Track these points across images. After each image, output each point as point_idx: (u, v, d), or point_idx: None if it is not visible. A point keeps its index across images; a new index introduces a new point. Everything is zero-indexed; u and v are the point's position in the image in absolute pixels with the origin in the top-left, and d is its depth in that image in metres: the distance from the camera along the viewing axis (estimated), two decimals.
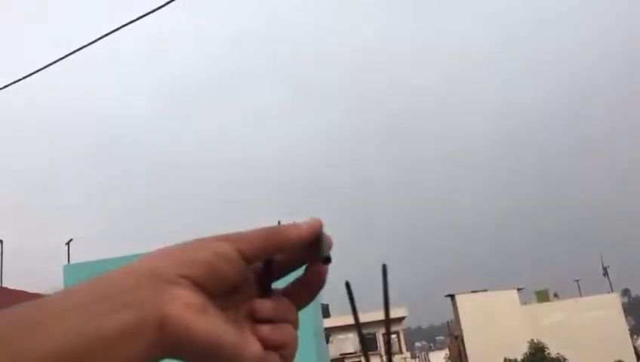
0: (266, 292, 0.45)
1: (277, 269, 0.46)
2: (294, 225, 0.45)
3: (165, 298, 0.37)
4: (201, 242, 0.42)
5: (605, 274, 32.96)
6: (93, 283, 0.39)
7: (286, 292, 0.47)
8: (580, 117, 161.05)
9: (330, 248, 0.46)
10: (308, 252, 0.46)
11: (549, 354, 24.39)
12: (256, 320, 0.43)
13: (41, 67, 6.86)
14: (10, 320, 0.36)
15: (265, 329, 0.42)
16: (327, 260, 0.45)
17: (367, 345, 24.83)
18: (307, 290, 0.47)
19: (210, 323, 0.38)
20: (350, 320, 26.09)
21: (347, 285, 0.46)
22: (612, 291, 29.63)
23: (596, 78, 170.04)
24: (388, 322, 0.45)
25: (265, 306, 0.43)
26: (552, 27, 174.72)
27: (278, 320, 0.43)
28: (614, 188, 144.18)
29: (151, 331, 0.37)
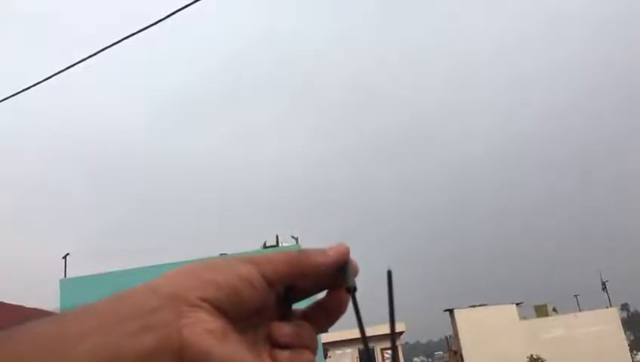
0: (285, 315, 0.44)
1: (298, 293, 0.45)
2: (321, 251, 0.44)
3: (186, 322, 0.37)
4: (226, 263, 0.41)
5: (604, 288, 32.84)
6: (114, 302, 0.38)
7: (305, 314, 0.46)
8: (579, 132, 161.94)
9: (355, 276, 0.44)
10: (332, 278, 0.44)
11: None
12: (274, 344, 0.42)
13: (39, 80, 6.89)
14: (26, 340, 0.35)
15: (283, 356, 0.41)
16: (352, 289, 0.43)
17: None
18: (327, 315, 0.46)
19: (229, 350, 0.37)
20: (348, 335, 25.94)
21: (350, 290, 0.45)
22: (611, 306, 29.48)
23: (596, 91, 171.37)
24: (393, 327, 0.43)
25: (284, 331, 0.42)
26: (552, 38, 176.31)
27: (297, 346, 0.42)
28: (613, 203, 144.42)
29: (170, 356, 0.36)
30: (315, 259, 0.43)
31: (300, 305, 0.46)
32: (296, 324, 0.43)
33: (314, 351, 0.44)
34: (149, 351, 0.36)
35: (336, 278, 0.44)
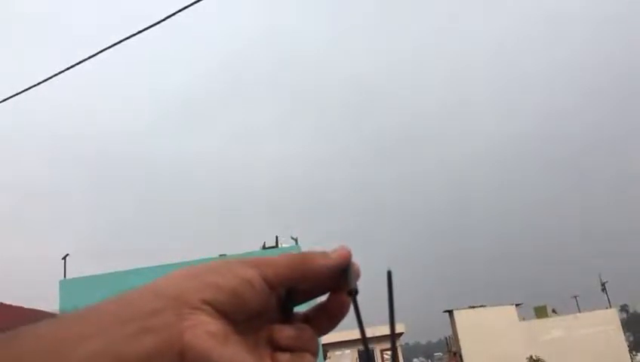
0: (287, 318, 0.44)
1: (300, 296, 0.45)
2: (322, 254, 0.44)
3: (187, 324, 0.37)
4: (228, 265, 0.41)
5: (604, 289, 32.84)
6: (115, 303, 0.38)
7: (307, 317, 0.46)
8: (579, 132, 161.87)
9: (357, 279, 0.44)
10: (334, 281, 0.44)
11: None
12: (275, 347, 0.42)
13: (39, 80, 6.89)
14: (28, 341, 0.35)
15: (284, 358, 0.42)
16: (354, 292, 0.43)
17: None
18: (329, 318, 0.46)
19: (230, 352, 0.37)
20: (348, 336, 25.91)
21: (352, 293, 0.44)
22: (610, 307, 29.49)
23: (596, 91, 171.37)
24: (393, 329, 0.42)
25: (285, 334, 0.42)
26: (552, 40, 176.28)
27: (298, 349, 0.42)
28: (613, 203, 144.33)
29: (172, 358, 0.36)
30: (317, 262, 0.43)
31: (301, 308, 0.46)
32: (297, 327, 0.43)
33: (315, 354, 0.44)
34: (149, 353, 0.36)
35: (338, 281, 0.44)
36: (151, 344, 0.36)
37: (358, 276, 0.44)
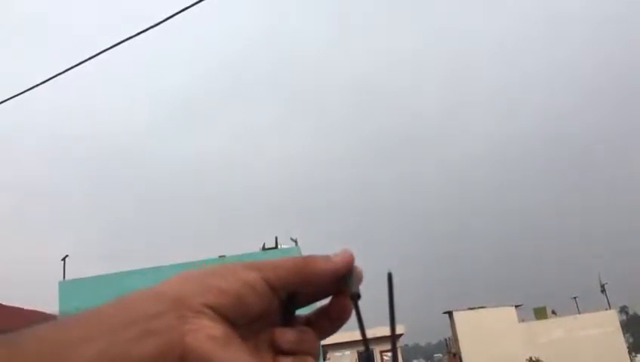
0: (289, 321, 0.44)
1: (302, 299, 0.45)
2: (325, 258, 0.43)
3: (188, 328, 0.37)
4: (230, 269, 0.41)
5: (603, 291, 32.82)
6: (117, 306, 0.38)
7: (309, 320, 0.46)
8: (579, 132, 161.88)
9: (359, 283, 0.44)
10: (336, 285, 0.44)
11: None
12: (277, 350, 0.42)
13: (40, 81, 6.88)
14: (29, 343, 0.35)
15: None
16: (356, 296, 0.43)
17: None
18: (331, 321, 0.46)
19: (232, 355, 0.37)
20: (347, 337, 25.88)
21: (354, 297, 0.44)
22: (610, 308, 29.47)
23: (596, 91, 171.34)
24: (393, 331, 0.42)
25: (287, 337, 0.42)
26: (551, 42, 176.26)
27: (299, 353, 0.42)
28: (613, 203, 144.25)
29: None
30: (319, 265, 0.43)
31: (303, 311, 0.46)
32: (299, 330, 0.43)
33: (316, 358, 0.43)
34: (151, 356, 0.36)
35: (340, 285, 0.44)
36: (153, 347, 0.36)
37: (360, 280, 0.44)
